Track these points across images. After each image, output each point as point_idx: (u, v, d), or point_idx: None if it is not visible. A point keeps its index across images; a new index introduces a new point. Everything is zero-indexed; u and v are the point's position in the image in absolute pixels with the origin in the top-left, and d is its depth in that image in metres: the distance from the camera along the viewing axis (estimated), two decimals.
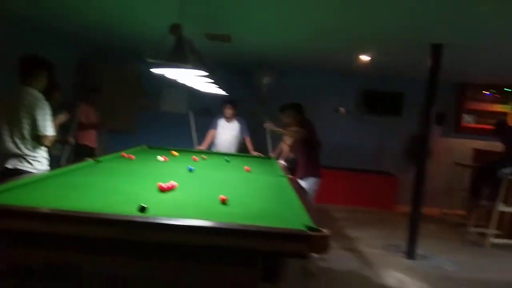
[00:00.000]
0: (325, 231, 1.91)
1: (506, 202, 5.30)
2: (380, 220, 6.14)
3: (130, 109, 6.99)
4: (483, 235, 5.33)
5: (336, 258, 4.18)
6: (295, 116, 4.41)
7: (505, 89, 6.87)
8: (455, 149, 7.19)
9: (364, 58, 5.35)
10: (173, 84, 4.41)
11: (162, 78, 3.46)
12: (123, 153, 3.89)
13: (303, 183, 4.13)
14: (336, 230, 5.31)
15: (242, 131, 5.43)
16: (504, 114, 7.04)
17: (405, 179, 6.26)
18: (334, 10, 3.42)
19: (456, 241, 5.34)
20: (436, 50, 4.20)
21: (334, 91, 7.28)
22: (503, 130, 5.53)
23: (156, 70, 2.83)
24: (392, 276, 3.88)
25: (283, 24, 4.01)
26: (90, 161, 3.28)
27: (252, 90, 6.82)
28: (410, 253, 4.39)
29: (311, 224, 2.01)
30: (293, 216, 2.16)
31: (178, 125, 6.80)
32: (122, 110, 6.85)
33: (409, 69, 5.89)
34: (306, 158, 4.37)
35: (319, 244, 1.87)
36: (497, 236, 5.31)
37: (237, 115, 5.48)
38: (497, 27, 3.46)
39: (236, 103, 5.42)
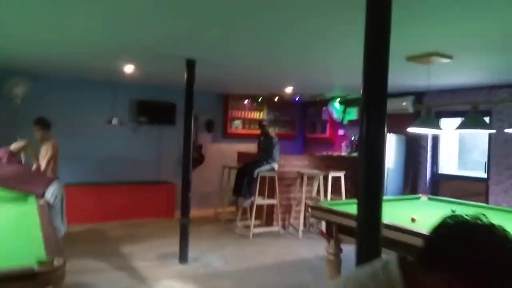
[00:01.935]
0: (56, 262, 1.81)
1: (262, 195, 6.23)
2: (160, 229, 6.21)
3: None
4: (248, 227, 6.09)
5: (106, 281, 3.97)
6: (41, 130, 4.24)
7: (259, 99, 8.06)
8: (224, 153, 7.99)
9: (128, 68, 5.30)
10: None
11: None
12: None
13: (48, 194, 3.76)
14: (110, 250, 5.06)
15: None
16: (261, 120, 8.27)
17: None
18: (89, 15, 3.21)
19: (226, 237, 5.92)
20: (190, 64, 4.53)
21: (106, 102, 6.96)
22: (263, 130, 6.46)
23: None
24: (164, 285, 3.95)
25: (29, 25, 3.50)
26: None
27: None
28: (183, 258, 4.59)
29: (44, 257, 1.87)
30: (25, 251, 2.00)
31: None
32: None
33: (177, 80, 6.17)
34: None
35: (49, 278, 1.76)
36: (257, 225, 6.18)
37: None
38: (234, 46, 3.99)
39: None
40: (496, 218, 0.90)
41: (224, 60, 4.63)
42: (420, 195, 4.95)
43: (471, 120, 3.99)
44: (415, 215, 3.59)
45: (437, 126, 3.95)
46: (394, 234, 2.88)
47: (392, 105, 6.85)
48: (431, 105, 4.44)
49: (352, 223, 3.49)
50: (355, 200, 4.45)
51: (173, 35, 3.67)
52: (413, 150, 6.65)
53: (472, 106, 4.03)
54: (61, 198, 3.94)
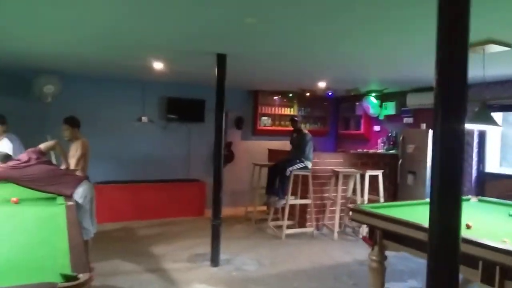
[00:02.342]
0: (82, 276, 1.64)
1: (294, 195, 5.98)
2: (191, 228, 6.09)
3: None
4: (280, 227, 5.86)
5: (136, 284, 3.85)
6: (69, 129, 4.24)
7: (289, 94, 7.79)
8: (254, 151, 7.78)
9: (158, 65, 5.17)
10: None
11: None
12: None
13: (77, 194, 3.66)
14: (140, 250, 4.96)
15: (15, 150, 4.50)
16: (294, 116, 8.00)
17: (212, 183, 6.39)
18: (117, 13, 3.08)
19: (258, 237, 5.72)
20: (221, 59, 4.33)
21: (136, 100, 6.90)
22: (295, 126, 6.16)
23: None
24: None
25: (61, 21, 3.39)
26: None
27: (30, 101, 5.85)
28: (214, 260, 4.42)
29: (68, 270, 1.71)
30: (49, 263, 1.85)
31: None
32: None
33: (207, 76, 5.99)
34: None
35: None
36: (290, 226, 5.94)
37: (7, 131, 4.53)
38: (268, 39, 3.75)
39: (4, 118, 4.49)
40: None
41: (256, 54, 4.41)
42: (470, 196, 4.55)
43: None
44: (469, 221, 3.26)
45: (494, 122, 3.57)
46: (476, 250, 2.48)
47: (430, 99, 6.40)
48: (486, 98, 4.02)
49: (399, 229, 3.22)
50: (399, 203, 4.16)
51: (204, 29, 3.48)
52: None
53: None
54: (91, 198, 3.84)
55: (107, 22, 3.36)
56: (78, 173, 4.14)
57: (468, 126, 4.21)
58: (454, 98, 1.78)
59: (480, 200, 4.46)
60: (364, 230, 3.80)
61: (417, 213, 3.68)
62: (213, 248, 4.42)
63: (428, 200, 4.28)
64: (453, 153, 1.81)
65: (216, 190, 4.49)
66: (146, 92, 6.96)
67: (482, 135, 6.05)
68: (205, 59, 4.60)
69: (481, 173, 6.05)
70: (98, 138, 6.51)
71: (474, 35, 3.46)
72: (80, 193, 3.67)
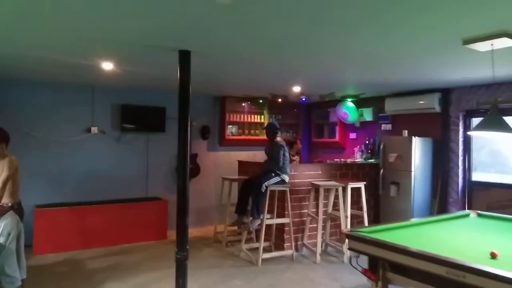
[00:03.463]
0: None
1: (270, 213, 5.29)
2: (152, 257, 5.23)
3: None
4: (255, 250, 5.15)
5: None
6: None
7: (259, 100, 7.13)
8: (222, 163, 7.08)
9: (107, 66, 4.34)
10: None
11: None
12: None
13: None
14: None
15: None
16: (261, 124, 7.36)
17: (175, 201, 5.59)
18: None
19: (231, 265, 4.95)
20: (184, 57, 3.59)
21: (84, 108, 5.98)
22: (267, 135, 5.45)
23: None
24: None
25: None
26: None
27: None
28: None
29: None
30: None
31: None
32: None
33: (168, 80, 5.23)
34: None
35: None
36: (266, 248, 5.24)
37: None
38: (239, 31, 3.08)
39: None
40: None
41: (224, 50, 3.70)
42: (468, 211, 4.06)
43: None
44: (487, 245, 2.72)
45: (509, 128, 3.06)
46: None
47: (415, 104, 6.00)
48: (498, 101, 3.53)
49: (409, 260, 2.63)
50: (401, 224, 3.57)
51: (163, 20, 2.77)
52: (442, 154, 5.79)
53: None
54: (16, 235, 2.96)
55: (41, 11, 2.54)
56: (5, 199, 3.25)
57: (477, 133, 3.72)
58: None
59: (480, 215, 3.99)
60: (348, 254, 3.19)
61: (427, 237, 3.12)
62: (179, 286, 3.63)
63: (434, 218, 3.77)
64: None
65: (180, 215, 3.71)
66: (97, 98, 6.06)
67: (466, 141, 5.68)
68: (165, 58, 3.86)
69: (468, 182, 5.66)
70: (38, 152, 5.56)
71: (483, 27, 3.02)
72: (1, 229, 2.79)
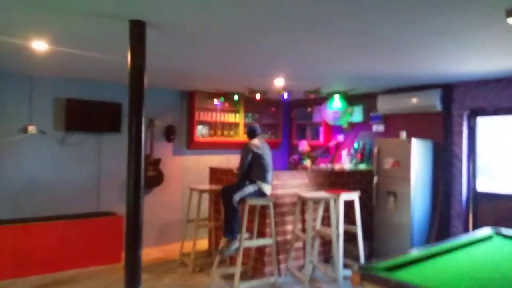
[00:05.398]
0: None
1: (249, 231, 4.38)
2: (102, 286, 4.20)
3: None
4: (230, 277, 4.22)
5: None
6: None
7: (234, 96, 6.19)
8: (190, 169, 6.12)
9: (39, 45, 3.30)
10: None
11: None
12: None
13: None
14: None
15: None
16: (236, 124, 6.45)
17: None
18: None
19: None
20: (137, 28, 2.63)
21: (19, 102, 4.87)
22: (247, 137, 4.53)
23: None
24: None
25: None
26: None
27: None
28: None
29: None
30: None
31: None
32: None
33: (123, 72, 4.17)
34: None
35: None
36: (243, 275, 4.32)
37: None
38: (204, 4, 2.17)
39: None
40: None
41: (191, 28, 2.78)
42: (490, 233, 3.28)
43: None
44: None
45: None
46: None
47: (412, 101, 5.21)
48: None
49: None
50: (418, 254, 2.69)
51: None
52: (443, 160, 5.07)
53: None
54: None
55: None
56: None
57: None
58: None
59: (498, 234, 3.23)
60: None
61: (459, 274, 2.32)
62: None
63: (457, 243, 2.95)
64: None
65: (133, 241, 2.72)
66: (35, 91, 4.96)
67: (472, 145, 4.99)
68: (114, 34, 2.88)
69: (473, 193, 4.96)
70: None
71: None
72: None
